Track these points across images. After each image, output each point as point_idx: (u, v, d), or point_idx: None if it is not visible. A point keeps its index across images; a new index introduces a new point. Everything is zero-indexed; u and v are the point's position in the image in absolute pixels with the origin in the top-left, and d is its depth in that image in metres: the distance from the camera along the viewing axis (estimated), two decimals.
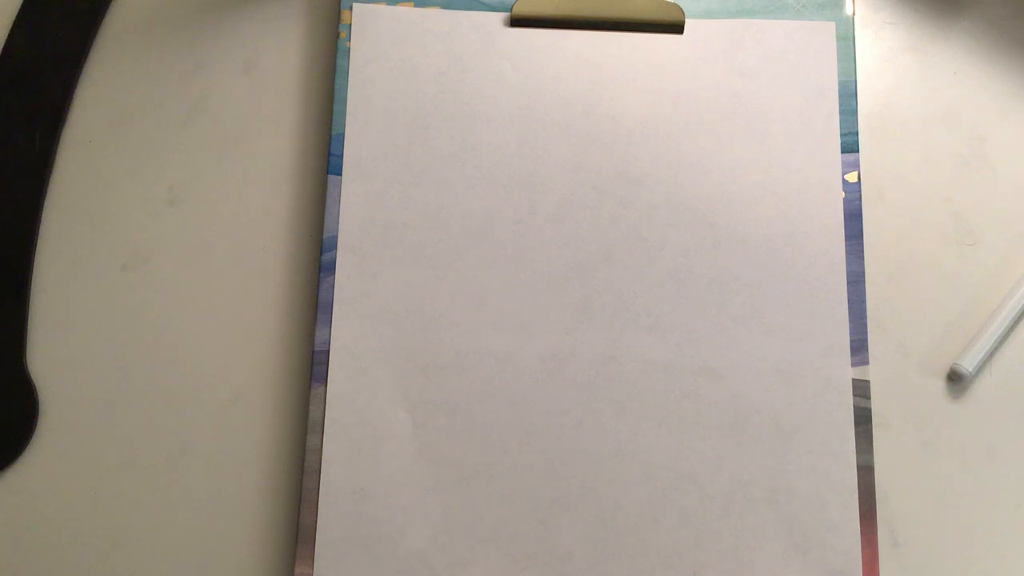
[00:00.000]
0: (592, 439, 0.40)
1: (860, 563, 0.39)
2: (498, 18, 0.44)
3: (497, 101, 0.43)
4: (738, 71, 0.44)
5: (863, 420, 0.40)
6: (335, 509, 0.39)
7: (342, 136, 0.43)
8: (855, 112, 0.43)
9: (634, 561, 0.39)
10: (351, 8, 0.44)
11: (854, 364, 0.40)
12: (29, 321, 0.42)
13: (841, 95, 0.43)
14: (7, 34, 0.45)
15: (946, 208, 0.44)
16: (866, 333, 0.41)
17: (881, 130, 0.45)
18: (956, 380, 0.42)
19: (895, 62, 0.46)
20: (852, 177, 0.43)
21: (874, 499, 0.39)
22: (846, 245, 0.42)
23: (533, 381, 0.40)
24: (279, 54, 0.46)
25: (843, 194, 0.42)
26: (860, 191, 0.42)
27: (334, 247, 0.42)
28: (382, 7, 0.44)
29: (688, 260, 0.42)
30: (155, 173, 0.44)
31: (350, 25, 0.44)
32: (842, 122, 0.43)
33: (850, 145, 0.43)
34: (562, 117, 0.43)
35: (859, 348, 0.41)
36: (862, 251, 0.42)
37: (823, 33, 0.44)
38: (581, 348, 0.41)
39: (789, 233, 0.42)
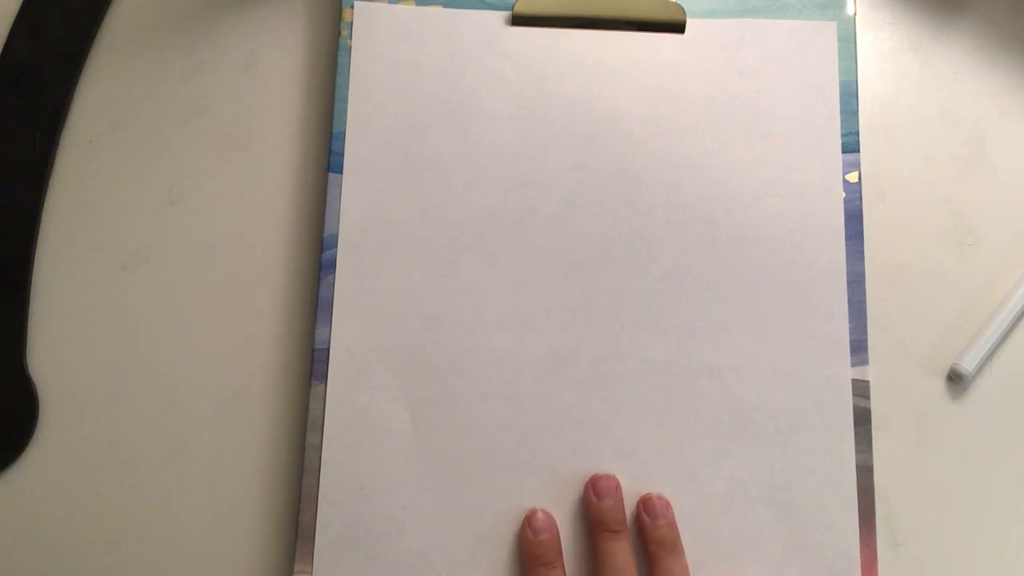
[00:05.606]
0: (592, 438, 0.40)
1: (859, 563, 0.39)
2: (499, 17, 0.44)
3: (498, 100, 0.43)
4: (739, 71, 0.44)
5: (863, 420, 0.40)
6: (335, 507, 0.39)
7: (343, 134, 0.43)
8: (856, 112, 0.43)
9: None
10: (352, 6, 0.44)
11: (854, 364, 0.40)
12: (29, 321, 0.42)
13: (842, 95, 0.43)
14: (7, 34, 0.45)
15: (946, 208, 0.44)
16: (866, 333, 0.41)
17: (882, 130, 0.45)
18: (956, 380, 0.42)
19: (895, 62, 0.46)
20: (853, 177, 0.42)
21: (873, 499, 0.39)
22: (846, 245, 0.42)
23: (533, 380, 0.40)
24: (280, 52, 0.46)
25: (843, 194, 0.42)
26: (861, 191, 0.42)
27: (334, 245, 0.42)
28: (383, 5, 0.44)
29: (688, 259, 0.42)
30: (155, 173, 0.44)
31: (351, 23, 0.44)
32: (843, 122, 0.43)
33: (851, 145, 0.43)
34: (563, 116, 0.43)
35: (859, 348, 0.41)
36: (862, 251, 0.42)
37: (824, 33, 0.44)
38: (581, 347, 0.41)
39: (789, 233, 0.42)
